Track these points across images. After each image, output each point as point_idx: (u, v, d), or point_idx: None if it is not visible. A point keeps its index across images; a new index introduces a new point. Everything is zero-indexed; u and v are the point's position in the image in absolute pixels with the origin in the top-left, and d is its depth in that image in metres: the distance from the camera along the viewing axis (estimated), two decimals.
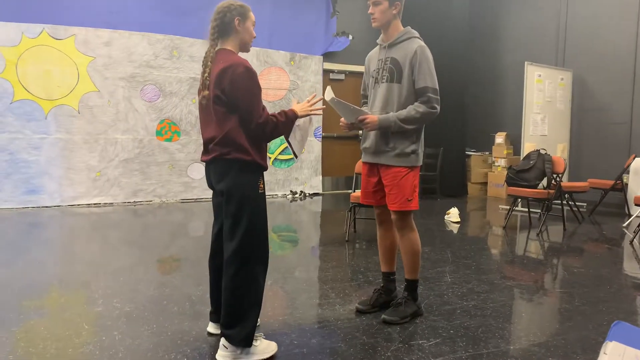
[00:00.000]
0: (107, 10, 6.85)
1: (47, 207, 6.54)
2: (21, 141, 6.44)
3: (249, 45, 2.45)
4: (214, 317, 2.59)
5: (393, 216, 2.85)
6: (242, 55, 2.50)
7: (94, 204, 6.84)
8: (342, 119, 2.86)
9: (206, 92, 2.28)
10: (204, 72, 2.32)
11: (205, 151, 2.37)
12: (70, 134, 6.70)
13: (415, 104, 2.74)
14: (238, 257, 2.27)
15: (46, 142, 6.57)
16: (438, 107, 2.75)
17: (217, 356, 2.31)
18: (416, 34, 2.85)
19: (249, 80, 2.25)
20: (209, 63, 2.31)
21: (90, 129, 6.81)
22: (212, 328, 2.62)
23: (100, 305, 3.02)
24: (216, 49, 2.36)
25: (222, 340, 2.32)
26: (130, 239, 4.90)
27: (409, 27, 2.86)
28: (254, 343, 2.33)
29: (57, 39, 6.56)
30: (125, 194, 7.05)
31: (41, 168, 6.55)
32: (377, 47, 2.97)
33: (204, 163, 2.45)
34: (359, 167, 5.01)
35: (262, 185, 2.35)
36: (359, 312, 2.95)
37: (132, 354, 2.37)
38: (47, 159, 6.58)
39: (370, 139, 2.87)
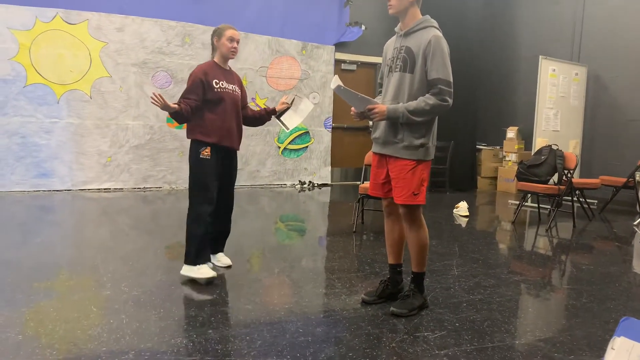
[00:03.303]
0: None
1: (57, 190, 6.60)
2: (33, 125, 6.49)
3: (229, 54, 3.35)
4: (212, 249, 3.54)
5: (401, 209, 2.82)
6: (233, 62, 3.31)
7: (104, 189, 6.89)
8: (353, 108, 2.85)
9: None
10: None
11: None
12: (81, 118, 6.74)
13: (426, 95, 2.68)
14: (189, 200, 3.31)
15: (58, 127, 6.62)
16: (450, 100, 2.68)
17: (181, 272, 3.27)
18: (434, 23, 2.77)
19: (191, 77, 3.26)
20: None
21: (101, 114, 6.84)
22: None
23: (108, 289, 3.05)
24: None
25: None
26: (140, 224, 4.94)
27: (427, 15, 2.78)
28: (199, 266, 3.23)
29: (70, 24, 6.58)
30: (135, 179, 7.09)
31: (52, 152, 6.60)
32: (395, 35, 2.92)
33: None
34: (368, 158, 4.99)
35: (205, 152, 3.28)
36: (365, 302, 2.95)
37: (138, 337, 2.40)
38: (58, 143, 6.62)
39: (380, 129, 2.85)
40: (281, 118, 3.61)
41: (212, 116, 3.27)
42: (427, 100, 2.66)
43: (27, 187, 6.49)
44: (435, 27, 2.76)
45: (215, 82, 3.26)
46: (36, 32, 6.41)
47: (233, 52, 3.33)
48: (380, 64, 3.09)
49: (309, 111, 3.63)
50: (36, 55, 6.44)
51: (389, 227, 3.01)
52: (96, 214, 5.42)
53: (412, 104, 2.67)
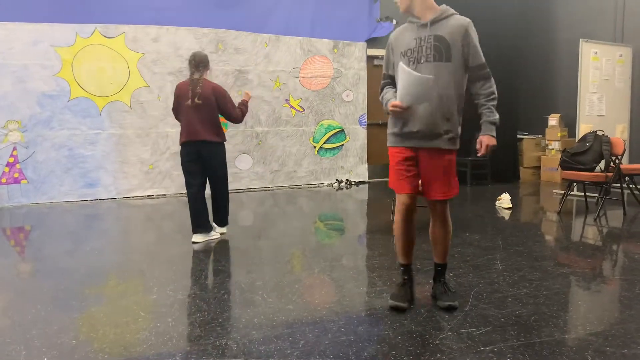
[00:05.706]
0: (154, 7, 7.02)
1: (103, 199, 6.84)
2: (79, 137, 6.75)
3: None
4: (201, 230, 4.46)
5: (438, 206, 2.78)
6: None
7: (148, 195, 7.09)
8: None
9: (200, 101, 4.25)
10: (196, 88, 4.27)
11: (197, 133, 4.28)
12: (123, 128, 6.96)
13: (482, 82, 2.73)
14: (221, 188, 4.57)
15: (101, 137, 6.86)
16: None
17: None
18: (454, 10, 2.79)
19: (227, 94, 4.41)
20: (201, 84, 4.28)
21: (141, 124, 7.05)
22: (197, 238, 4.43)
23: (155, 293, 3.14)
24: (199, 76, 4.33)
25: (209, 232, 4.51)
26: (182, 229, 5.05)
27: (444, 4, 2.79)
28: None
29: (108, 37, 6.80)
30: (177, 185, 7.27)
31: (97, 162, 6.85)
32: (405, 26, 2.86)
33: (190, 142, 4.32)
34: None
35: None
36: (401, 310, 2.76)
37: (185, 340, 2.46)
38: (102, 153, 6.87)
39: (420, 122, 2.67)
40: None
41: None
42: (492, 84, 2.73)
43: (75, 197, 6.75)
44: (458, 14, 2.77)
45: None
46: (77, 48, 6.66)
47: None
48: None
49: None
50: (78, 70, 6.69)
51: (408, 227, 2.82)
52: (141, 220, 5.59)
53: (485, 93, 2.73)
